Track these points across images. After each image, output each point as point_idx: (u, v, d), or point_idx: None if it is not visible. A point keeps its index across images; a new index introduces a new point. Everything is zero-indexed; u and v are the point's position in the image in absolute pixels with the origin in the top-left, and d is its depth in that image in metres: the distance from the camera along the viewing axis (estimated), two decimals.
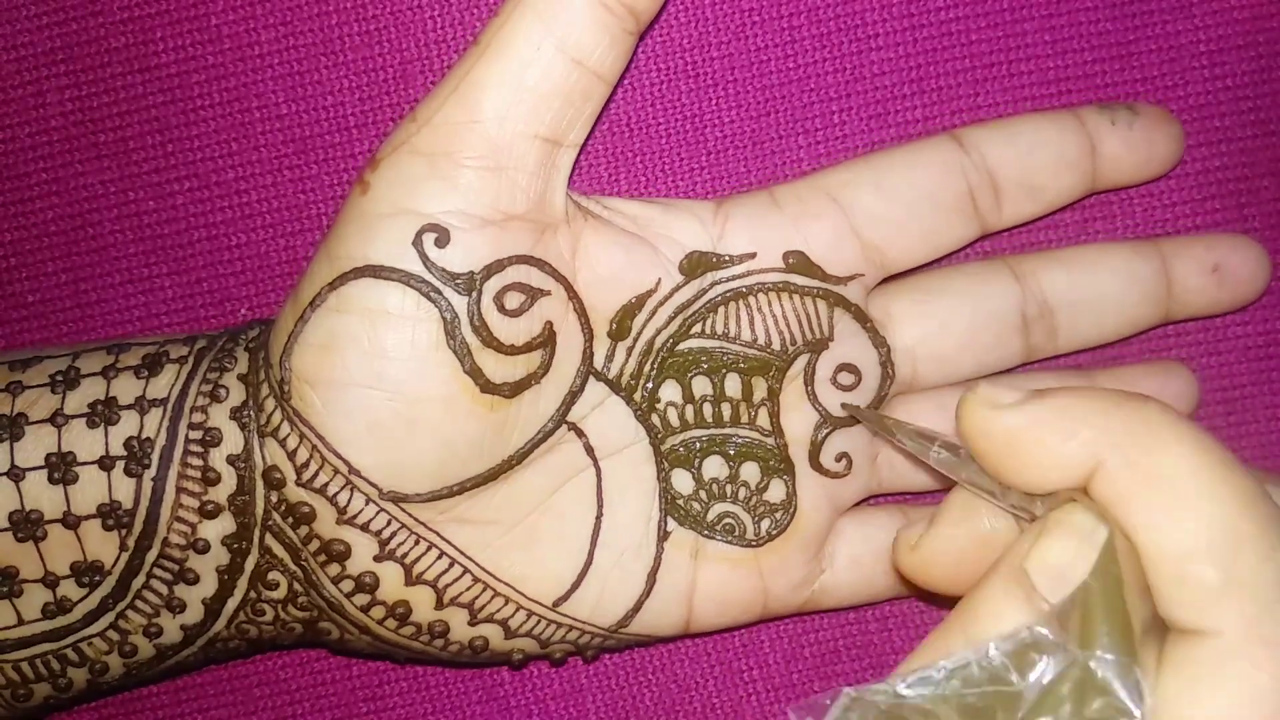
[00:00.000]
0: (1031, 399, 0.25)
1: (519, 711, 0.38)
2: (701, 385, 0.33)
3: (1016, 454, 0.25)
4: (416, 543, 0.31)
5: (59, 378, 0.32)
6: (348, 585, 0.31)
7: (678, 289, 0.33)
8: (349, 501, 0.30)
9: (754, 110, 0.37)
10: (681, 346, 0.33)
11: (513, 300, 0.31)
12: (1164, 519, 0.23)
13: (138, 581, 0.31)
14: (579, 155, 0.32)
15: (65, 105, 0.37)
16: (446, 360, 0.30)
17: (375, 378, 0.30)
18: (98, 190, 0.37)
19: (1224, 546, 0.22)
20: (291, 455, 0.30)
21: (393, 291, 0.30)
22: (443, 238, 0.30)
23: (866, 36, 0.36)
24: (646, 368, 0.33)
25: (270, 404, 0.31)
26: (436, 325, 0.30)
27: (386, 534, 0.31)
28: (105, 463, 0.31)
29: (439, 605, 0.32)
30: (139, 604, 0.32)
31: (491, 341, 0.30)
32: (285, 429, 0.30)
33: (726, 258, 0.33)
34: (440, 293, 0.30)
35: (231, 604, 0.32)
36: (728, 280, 0.33)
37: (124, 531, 0.31)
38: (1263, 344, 0.38)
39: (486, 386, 0.30)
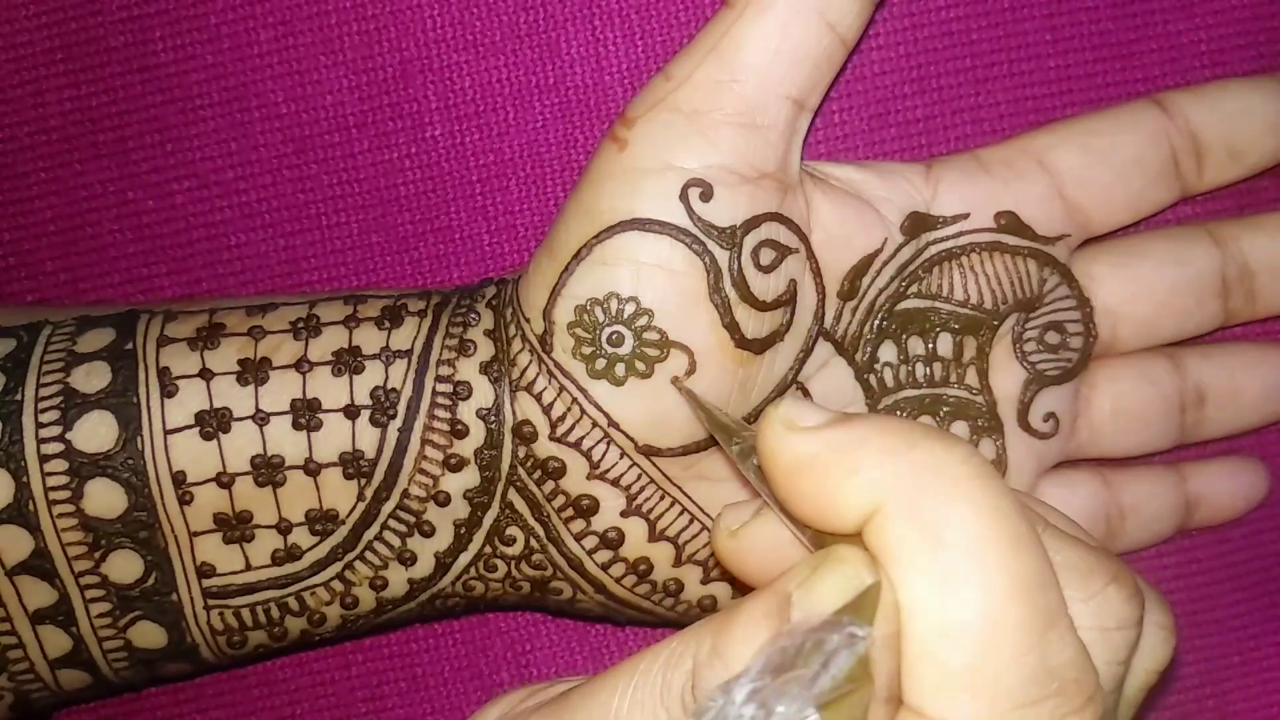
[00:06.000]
0: (832, 424, 0.22)
1: None
2: (915, 345, 0.34)
3: (799, 485, 0.22)
4: (661, 498, 0.32)
5: (300, 325, 0.32)
6: (591, 541, 0.32)
7: (900, 249, 0.33)
8: (604, 455, 0.31)
9: None
10: (900, 307, 0.34)
11: (766, 256, 0.31)
12: (925, 588, 0.21)
13: (370, 532, 0.32)
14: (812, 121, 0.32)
15: (64, 105, 0.37)
16: (708, 314, 0.31)
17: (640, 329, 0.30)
18: (97, 190, 0.37)
19: (980, 633, 0.20)
20: (547, 409, 0.31)
21: (661, 244, 0.30)
22: (707, 192, 0.30)
23: (866, 36, 0.36)
24: (867, 328, 0.33)
25: (524, 358, 0.31)
26: (701, 278, 0.30)
27: (635, 489, 0.31)
28: (350, 411, 0.31)
29: (677, 562, 0.32)
30: (369, 555, 0.32)
31: (748, 296, 0.31)
32: (542, 383, 0.31)
33: (942, 218, 0.33)
34: (705, 246, 0.30)
35: (464, 559, 0.32)
36: (942, 241, 0.34)
37: (363, 481, 0.31)
38: None
39: (741, 342, 0.31)
